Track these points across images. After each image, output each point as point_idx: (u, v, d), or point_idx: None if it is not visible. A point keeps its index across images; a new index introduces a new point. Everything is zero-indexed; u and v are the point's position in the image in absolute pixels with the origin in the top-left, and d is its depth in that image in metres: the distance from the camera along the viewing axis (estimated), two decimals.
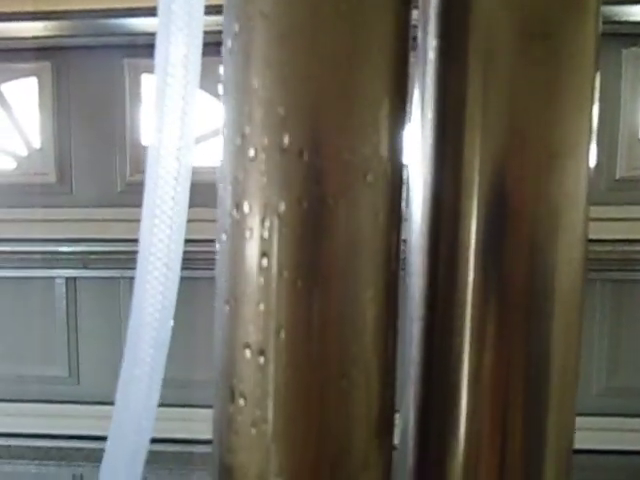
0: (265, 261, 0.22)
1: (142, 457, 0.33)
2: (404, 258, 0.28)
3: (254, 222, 0.23)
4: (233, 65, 0.23)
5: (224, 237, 0.24)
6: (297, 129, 0.22)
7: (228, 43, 0.23)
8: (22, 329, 1.86)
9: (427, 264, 0.27)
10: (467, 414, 0.26)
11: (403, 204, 0.25)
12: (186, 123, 0.30)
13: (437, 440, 0.27)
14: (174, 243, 0.31)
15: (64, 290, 1.86)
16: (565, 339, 0.27)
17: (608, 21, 1.50)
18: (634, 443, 1.66)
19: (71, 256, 1.83)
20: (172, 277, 0.31)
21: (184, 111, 0.30)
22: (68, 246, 1.82)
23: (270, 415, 0.23)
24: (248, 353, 0.23)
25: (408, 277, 0.29)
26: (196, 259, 1.39)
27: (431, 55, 0.25)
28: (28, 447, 1.81)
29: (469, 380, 0.26)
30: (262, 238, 0.22)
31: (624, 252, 1.64)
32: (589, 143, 0.26)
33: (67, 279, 1.85)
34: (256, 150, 0.22)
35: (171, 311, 0.32)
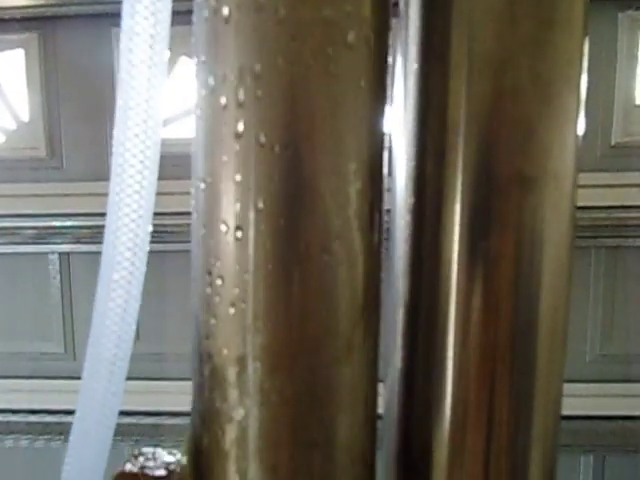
0: (241, 126, 0.21)
1: (110, 433, 0.33)
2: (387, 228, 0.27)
3: (229, 87, 0.21)
4: None
5: (199, 112, 0.23)
6: None
7: None
8: (16, 306, 1.85)
9: (411, 225, 0.26)
10: (453, 379, 0.26)
11: (388, 79, 0.24)
12: (154, 88, 0.29)
13: (422, 406, 0.27)
14: (140, 235, 0.30)
15: (58, 265, 1.85)
16: (553, 304, 0.26)
17: None
18: (626, 408, 1.67)
19: (64, 231, 1.81)
20: (138, 269, 0.30)
21: (151, 76, 0.29)
22: (60, 221, 1.80)
23: (249, 294, 0.22)
24: (224, 228, 0.22)
25: (392, 242, 0.28)
26: (166, 232, 1.37)
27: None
28: (27, 423, 1.81)
29: (455, 343, 0.26)
30: (238, 103, 0.21)
31: (619, 219, 1.63)
32: (578, 106, 0.25)
33: (60, 254, 1.84)
34: (230, 10, 0.21)
35: (136, 305, 0.31)
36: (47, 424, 1.77)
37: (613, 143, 1.63)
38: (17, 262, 1.82)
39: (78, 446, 0.34)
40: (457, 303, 0.25)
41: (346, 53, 0.21)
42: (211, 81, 0.22)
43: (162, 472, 0.27)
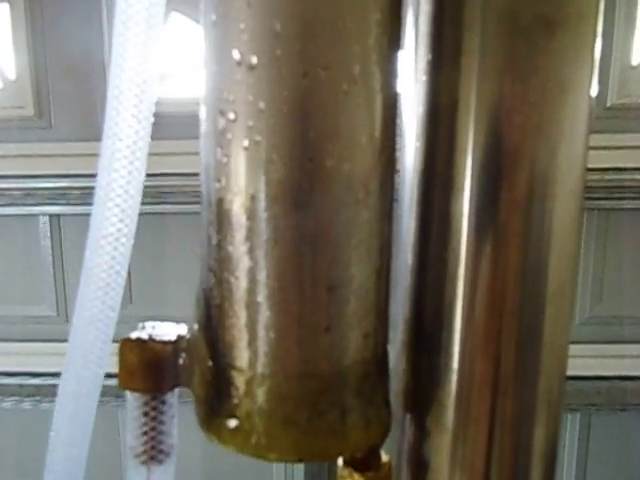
0: None
1: (104, 361, 0.32)
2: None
3: None
4: None
5: None
6: None
7: None
8: (6, 269, 1.83)
9: (420, 192, 0.25)
10: (461, 339, 0.26)
11: None
12: (149, 46, 0.27)
13: (429, 367, 0.27)
14: (134, 173, 0.29)
15: (48, 227, 1.82)
16: (560, 265, 0.26)
17: None
18: (614, 369, 1.70)
19: (53, 192, 1.78)
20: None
21: (146, 36, 0.27)
22: (50, 182, 1.77)
23: (263, 124, 0.21)
24: (238, 57, 0.21)
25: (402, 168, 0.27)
26: (163, 193, 1.35)
27: None
28: (20, 385, 1.80)
29: (463, 307, 0.25)
30: None
31: (612, 180, 1.63)
32: (591, 76, 0.24)
33: (51, 216, 1.81)
34: None
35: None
36: (39, 386, 1.77)
37: (609, 105, 1.62)
38: (6, 224, 1.80)
39: (70, 381, 0.33)
40: (466, 258, 0.25)
41: None
42: None
43: (172, 337, 0.26)
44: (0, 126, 1.73)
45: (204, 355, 0.24)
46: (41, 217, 1.80)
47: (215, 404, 0.24)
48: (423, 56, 0.26)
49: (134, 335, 0.26)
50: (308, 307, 0.22)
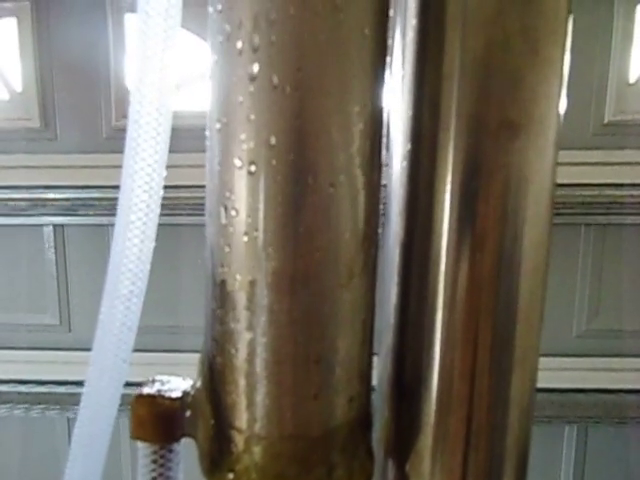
0: (255, 68, 0.23)
1: (116, 404, 0.35)
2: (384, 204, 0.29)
3: (245, 34, 0.23)
4: None
5: (215, 57, 0.25)
6: None
7: None
8: (11, 278, 1.86)
9: (408, 170, 0.28)
10: (437, 397, 0.29)
11: (388, 30, 0.26)
12: (166, 65, 0.31)
13: (408, 419, 0.30)
14: (155, 178, 0.32)
15: (52, 237, 1.85)
16: (531, 283, 0.29)
17: None
18: (610, 382, 1.72)
19: (58, 203, 1.81)
20: (153, 211, 0.32)
21: (164, 53, 0.30)
22: (55, 193, 1.80)
23: (260, 223, 0.24)
24: (239, 164, 0.24)
25: (389, 186, 0.30)
26: (179, 205, 1.38)
27: None
28: (24, 393, 1.83)
29: (446, 275, 0.28)
30: (253, 48, 0.23)
31: (609, 196, 1.66)
32: (563, 58, 0.27)
33: (55, 226, 1.84)
34: None
35: (150, 246, 0.33)
36: (43, 394, 1.80)
37: (606, 121, 1.65)
38: (11, 234, 1.83)
39: (94, 383, 0.36)
40: (448, 238, 0.28)
41: (351, 2, 0.23)
42: (227, 28, 0.24)
43: (178, 393, 0.29)
44: (6, 137, 1.77)
45: (207, 414, 0.27)
46: (46, 227, 1.84)
47: (217, 457, 0.27)
48: (404, 144, 0.29)
49: (144, 391, 0.29)
50: (299, 377, 0.25)
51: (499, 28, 0.25)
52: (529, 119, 0.26)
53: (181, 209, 1.33)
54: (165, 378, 0.31)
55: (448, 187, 0.27)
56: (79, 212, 1.78)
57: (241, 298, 0.25)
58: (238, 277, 0.25)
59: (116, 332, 0.32)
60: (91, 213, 1.79)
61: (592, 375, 1.71)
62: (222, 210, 0.25)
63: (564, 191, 1.56)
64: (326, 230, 0.24)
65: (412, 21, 0.28)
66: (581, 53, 1.53)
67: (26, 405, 1.81)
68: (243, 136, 0.24)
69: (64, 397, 1.84)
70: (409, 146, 0.29)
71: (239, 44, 0.23)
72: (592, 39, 1.55)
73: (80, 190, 1.74)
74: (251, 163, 0.24)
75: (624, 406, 1.67)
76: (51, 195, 1.78)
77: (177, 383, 0.30)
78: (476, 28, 0.25)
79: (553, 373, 1.63)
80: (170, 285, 1.50)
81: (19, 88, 1.80)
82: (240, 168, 0.24)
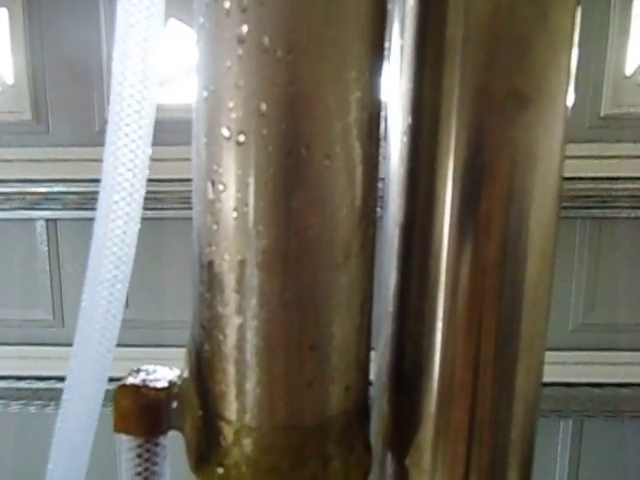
0: (244, 29, 0.21)
1: (100, 398, 0.33)
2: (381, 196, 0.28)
3: None
4: None
5: (201, 20, 0.23)
6: None
7: None
8: (3, 273, 1.83)
9: (408, 146, 0.27)
10: (438, 385, 0.27)
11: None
12: (149, 55, 0.29)
13: (408, 410, 0.28)
14: (140, 156, 0.30)
15: (45, 231, 1.83)
16: (538, 267, 0.27)
17: None
18: (606, 376, 1.71)
19: (50, 197, 1.79)
20: (137, 191, 0.30)
21: (147, 43, 0.29)
22: (47, 187, 1.78)
23: (251, 197, 0.22)
24: (227, 133, 0.22)
25: (387, 164, 0.29)
26: (164, 199, 1.36)
27: None
28: (17, 389, 1.81)
29: (448, 260, 0.27)
30: (241, 8, 0.21)
31: (605, 189, 1.65)
32: (573, 26, 0.26)
33: (47, 220, 1.82)
34: None
35: (135, 228, 0.31)
36: (37, 390, 1.78)
37: (602, 114, 1.64)
38: (3, 228, 1.80)
39: (76, 377, 0.35)
40: (451, 220, 0.26)
41: None
42: None
43: (164, 383, 0.27)
44: None
45: (195, 404, 0.25)
46: (38, 221, 1.81)
47: (205, 451, 0.25)
48: (403, 119, 0.27)
49: (128, 381, 0.28)
50: (292, 364, 0.23)
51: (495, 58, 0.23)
52: (538, 90, 0.24)
53: (166, 202, 1.31)
54: (151, 368, 0.29)
55: (451, 164, 0.25)
56: (72, 206, 1.76)
57: (230, 280, 0.23)
58: (227, 257, 0.23)
59: (100, 319, 0.31)
60: (84, 207, 1.77)
61: (588, 369, 1.70)
62: (209, 185, 0.23)
63: None
64: (321, 206, 0.22)
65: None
66: (578, 46, 1.51)
67: (19, 401, 1.79)
68: (231, 104, 0.22)
69: (57, 393, 1.82)
70: (409, 120, 0.27)
71: (227, 4, 0.21)
72: (589, 32, 1.54)
73: (73, 184, 1.72)
74: (240, 133, 0.22)
75: (619, 400, 1.67)
76: (43, 189, 1.75)
77: (163, 373, 0.28)
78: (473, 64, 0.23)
79: (549, 367, 1.61)
80: (155, 279, 1.49)
81: (10, 80, 1.77)
82: (228, 139, 0.22)
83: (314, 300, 0.23)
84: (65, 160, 1.76)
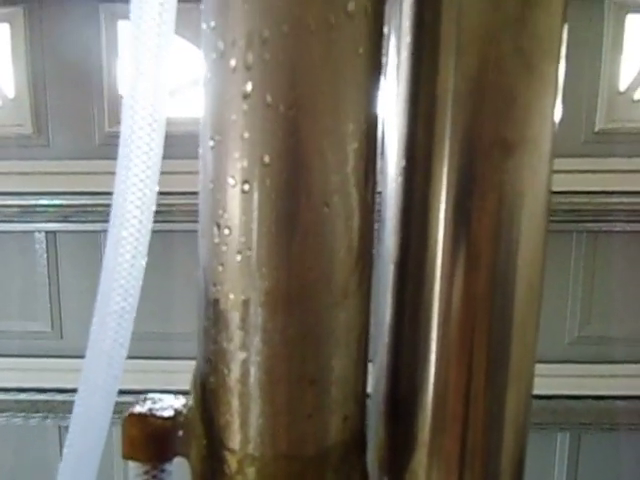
0: (249, 87, 0.23)
1: (106, 425, 0.35)
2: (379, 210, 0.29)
3: (238, 51, 0.23)
4: None
5: (208, 75, 0.25)
6: None
7: None
8: (3, 285, 1.84)
9: (402, 187, 0.28)
10: (432, 415, 0.28)
11: (383, 48, 0.26)
12: (161, 72, 0.30)
13: (404, 437, 0.29)
14: (148, 194, 0.32)
15: (44, 244, 1.84)
16: (526, 300, 0.29)
17: None
18: (602, 388, 1.72)
19: (50, 209, 1.81)
20: (145, 227, 0.32)
21: (158, 60, 0.30)
22: (47, 199, 1.79)
23: (254, 242, 0.24)
24: (232, 182, 0.24)
25: (383, 203, 0.30)
26: (172, 212, 1.38)
27: None
28: (15, 401, 1.81)
29: (440, 295, 0.28)
30: (246, 66, 0.23)
31: (600, 203, 1.67)
32: (557, 77, 0.27)
33: (47, 233, 1.83)
34: None
35: (142, 262, 0.33)
36: (35, 402, 1.78)
37: (597, 129, 1.66)
38: (3, 240, 1.81)
39: (82, 406, 0.36)
40: (443, 259, 0.28)
41: (346, 21, 0.23)
42: (221, 45, 0.23)
43: (170, 412, 0.29)
44: None
45: (200, 433, 0.27)
46: (38, 234, 1.83)
47: (210, 478, 0.27)
48: (398, 161, 0.29)
49: (136, 410, 0.29)
50: (293, 397, 0.25)
51: (493, 48, 0.25)
52: (523, 137, 0.26)
53: (174, 215, 1.33)
54: (157, 396, 0.30)
55: (442, 205, 0.27)
56: (71, 219, 1.77)
57: (234, 317, 0.25)
58: (231, 296, 0.25)
59: (107, 349, 0.32)
60: (83, 220, 1.78)
61: (584, 382, 1.71)
62: (215, 228, 0.25)
63: (555, 198, 1.56)
64: (320, 249, 0.24)
65: (406, 39, 0.28)
66: (572, 62, 1.53)
67: (17, 413, 1.80)
68: (237, 154, 0.24)
69: (55, 405, 1.82)
70: (403, 163, 0.28)
71: (232, 62, 0.23)
72: (583, 48, 1.57)
73: (72, 196, 1.73)
74: (245, 182, 0.24)
75: (616, 413, 1.67)
76: (43, 201, 1.77)
77: (169, 401, 0.30)
78: (470, 48, 0.25)
79: (545, 380, 1.63)
80: (163, 291, 1.50)
81: (11, 94, 1.79)
82: (233, 186, 0.24)
83: (314, 337, 0.24)
84: (65, 173, 1.78)
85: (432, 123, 0.27)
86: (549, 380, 1.61)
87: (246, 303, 0.24)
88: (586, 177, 1.61)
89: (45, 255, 1.83)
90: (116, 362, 0.33)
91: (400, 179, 0.29)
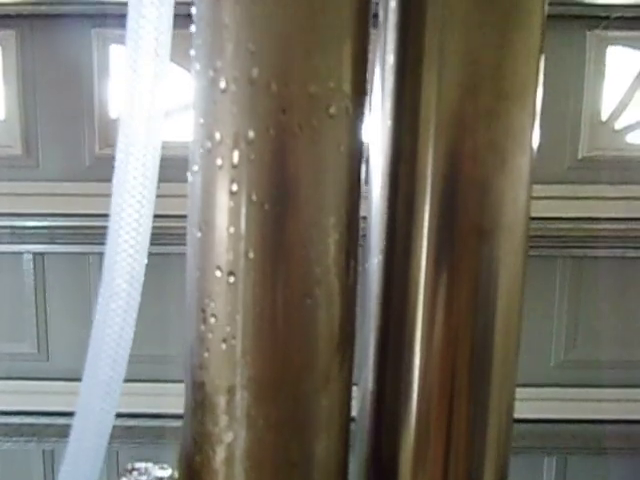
0: (235, 186, 0.24)
1: (107, 433, 0.35)
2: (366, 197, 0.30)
3: (225, 150, 0.24)
4: (205, 2, 0.24)
5: (195, 167, 0.26)
6: (265, 63, 0.23)
7: None
8: None
9: (383, 265, 0.29)
10: (417, 400, 0.29)
11: (364, 138, 0.27)
12: (156, 96, 0.31)
13: (392, 405, 0.30)
14: (144, 217, 0.32)
15: (32, 265, 1.83)
16: (507, 315, 0.30)
17: (573, 3, 1.53)
18: (588, 412, 1.73)
19: (38, 231, 1.80)
20: (141, 249, 0.33)
21: (155, 84, 0.31)
22: (35, 221, 1.79)
23: (239, 332, 0.25)
24: (219, 274, 0.25)
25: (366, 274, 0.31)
26: (167, 234, 1.39)
27: (392, 13, 0.27)
28: (2, 424, 1.78)
29: (421, 356, 0.29)
30: (232, 165, 0.24)
31: (585, 229, 1.69)
32: (530, 166, 0.28)
33: (35, 254, 1.82)
34: (227, 82, 0.24)
35: (139, 286, 0.33)
36: (18, 425, 1.76)
37: (580, 157, 1.70)
38: None
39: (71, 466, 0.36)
40: (422, 332, 0.29)
41: (328, 123, 0.24)
42: (208, 144, 0.24)
43: None
44: None
45: None
46: (25, 255, 1.82)
47: None
48: (379, 242, 0.30)
49: None
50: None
51: (469, 142, 0.26)
52: (497, 225, 0.27)
53: (169, 238, 1.33)
54: (143, 466, 0.31)
55: (421, 288, 0.28)
56: (59, 240, 1.77)
57: (220, 401, 0.25)
58: (217, 381, 0.25)
59: (95, 419, 0.32)
60: (71, 241, 1.78)
61: (570, 405, 1.72)
62: (201, 315, 0.26)
63: (541, 224, 1.59)
64: (302, 338, 0.25)
65: (387, 122, 0.29)
66: (556, 92, 1.57)
67: (6, 437, 1.77)
68: (222, 248, 0.24)
69: (40, 428, 1.79)
70: (384, 243, 0.30)
71: (219, 160, 0.24)
72: (566, 78, 1.60)
73: (61, 218, 1.73)
74: (230, 273, 0.24)
75: (602, 436, 1.68)
76: (31, 223, 1.76)
77: (155, 472, 0.30)
78: (446, 142, 0.26)
79: (531, 403, 1.63)
80: (158, 314, 1.49)
81: (2, 116, 1.79)
82: (219, 277, 0.25)
83: (297, 422, 0.25)
84: (54, 194, 1.78)
85: (411, 209, 0.28)
86: (535, 404, 1.62)
87: (231, 389, 0.25)
88: (571, 203, 1.64)
89: (32, 276, 1.81)
90: (104, 428, 0.33)
91: (381, 256, 0.30)
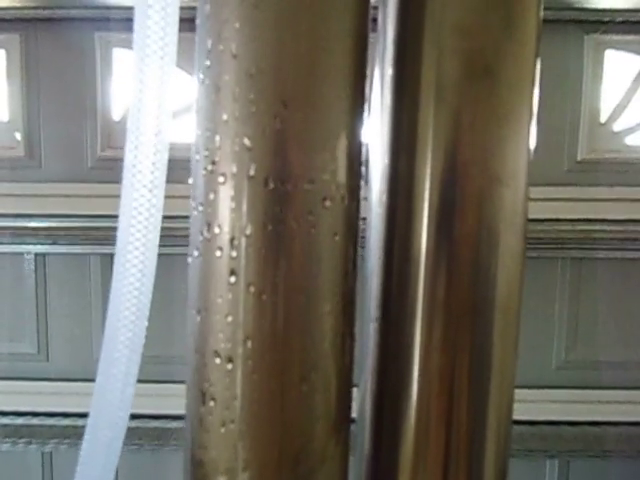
0: (233, 278, 0.24)
1: (120, 441, 0.35)
2: (362, 255, 0.30)
3: (223, 241, 0.25)
4: (205, 97, 0.24)
5: (196, 253, 0.26)
6: (262, 160, 0.24)
7: (200, 75, 0.24)
8: None
9: (383, 262, 0.30)
10: (417, 401, 0.30)
11: (360, 223, 0.27)
12: (164, 98, 0.31)
13: (391, 408, 0.30)
14: (153, 217, 0.33)
15: (33, 266, 1.84)
16: (506, 316, 0.30)
17: (570, 8, 1.53)
18: (590, 414, 1.74)
19: (40, 232, 1.81)
20: (151, 251, 0.33)
21: (162, 86, 0.31)
22: (37, 221, 1.79)
23: (237, 416, 0.25)
24: (218, 360, 0.25)
25: (366, 275, 0.32)
26: (174, 235, 1.39)
27: (387, 84, 0.28)
28: (1, 425, 1.80)
29: (419, 373, 0.29)
30: (231, 257, 0.25)
31: (584, 231, 1.69)
32: (531, 97, 0.28)
33: (36, 255, 1.83)
34: (225, 177, 0.24)
35: (150, 287, 0.34)
36: (19, 426, 1.77)
37: (579, 159, 1.70)
38: None
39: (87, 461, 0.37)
40: (420, 333, 0.29)
41: (324, 214, 0.25)
42: (206, 234, 0.25)
43: None
44: None
45: None
46: (26, 255, 1.82)
47: None
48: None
49: None
50: None
51: (466, 146, 0.27)
52: (495, 225, 0.28)
53: (175, 239, 1.33)
54: None
55: (421, 288, 0.28)
56: (61, 241, 1.78)
57: None
58: (216, 461, 0.26)
59: (120, 377, 0.32)
60: (73, 242, 1.79)
61: (572, 407, 1.73)
62: (201, 396, 0.26)
63: (540, 226, 1.60)
64: (299, 422, 0.25)
65: (387, 100, 0.29)
66: (554, 95, 1.57)
67: (5, 438, 1.78)
68: (221, 335, 0.25)
69: (40, 429, 1.81)
70: (384, 243, 0.30)
71: (218, 252, 0.25)
72: (564, 81, 1.60)
73: (62, 219, 1.74)
74: (229, 360, 0.25)
75: (605, 439, 1.69)
76: (33, 223, 1.77)
77: None
78: (446, 142, 0.26)
79: (533, 405, 1.64)
80: (164, 315, 1.50)
81: (5, 117, 1.79)
82: (218, 363, 0.25)
83: None
84: (56, 195, 1.78)
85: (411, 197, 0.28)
86: (536, 405, 1.63)
87: (230, 470, 0.26)
88: (570, 205, 1.64)
89: (34, 277, 1.82)
90: (117, 439, 0.33)
91: (379, 278, 0.30)
